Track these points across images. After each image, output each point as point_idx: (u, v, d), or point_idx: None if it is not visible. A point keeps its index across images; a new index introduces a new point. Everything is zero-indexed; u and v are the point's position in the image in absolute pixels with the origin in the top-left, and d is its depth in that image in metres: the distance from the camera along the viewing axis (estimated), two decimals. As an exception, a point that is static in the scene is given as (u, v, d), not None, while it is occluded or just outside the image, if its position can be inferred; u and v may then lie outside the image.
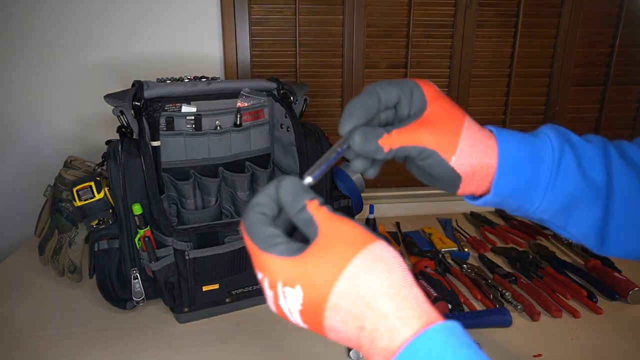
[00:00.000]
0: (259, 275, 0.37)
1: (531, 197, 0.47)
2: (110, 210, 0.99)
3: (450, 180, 0.46)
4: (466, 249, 1.30)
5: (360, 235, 0.35)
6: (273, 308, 0.38)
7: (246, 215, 0.38)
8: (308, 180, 0.41)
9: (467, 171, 0.45)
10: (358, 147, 0.43)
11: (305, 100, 1.18)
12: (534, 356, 0.88)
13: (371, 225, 1.33)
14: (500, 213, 1.57)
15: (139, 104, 1.02)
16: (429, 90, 0.46)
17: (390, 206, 1.59)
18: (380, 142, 0.44)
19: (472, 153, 0.45)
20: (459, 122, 0.45)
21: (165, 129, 1.09)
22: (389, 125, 0.48)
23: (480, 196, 0.49)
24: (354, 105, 0.44)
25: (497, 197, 0.47)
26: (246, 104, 1.15)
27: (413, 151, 0.44)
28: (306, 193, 0.38)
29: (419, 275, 1.09)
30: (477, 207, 1.58)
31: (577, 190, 0.47)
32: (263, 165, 1.19)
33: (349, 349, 0.88)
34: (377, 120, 0.47)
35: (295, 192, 0.38)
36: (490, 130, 0.48)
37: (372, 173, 0.48)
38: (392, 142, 0.44)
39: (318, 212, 0.37)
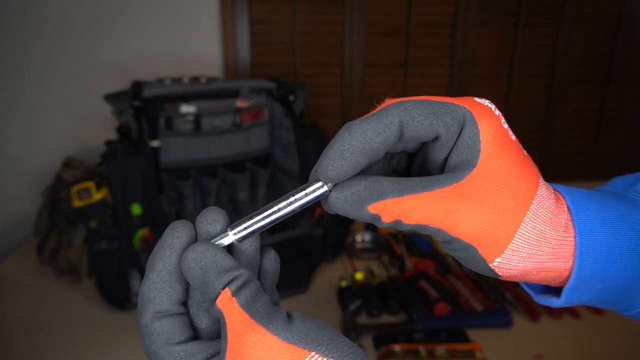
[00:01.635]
0: None
1: (629, 301, 0.31)
2: (110, 211, 0.99)
3: (486, 272, 0.30)
4: (466, 249, 1.30)
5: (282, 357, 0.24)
6: None
7: (138, 323, 0.28)
8: (228, 239, 0.29)
9: (515, 275, 0.30)
10: (336, 209, 0.28)
11: (305, 100, 1.17)
12: (535, 357, 0.87)
13: (372, 226, 1.33)
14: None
15: (138, 104, 1.02)
16: (491, 130, 0.28)
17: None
18: (373, 208, 0.27)
19: (530, 255, 0.28)
20: (524, 199, 0.28)
21: (164, 129, 1.08)
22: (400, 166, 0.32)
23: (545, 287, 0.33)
24: (352, 139, 0.27)
25: (568, 304, 0.31)
26: (246, 104, 1.15)
27: (435, 235, 0.28)
28: (220, 274, 0.26)
29: (419, 275, 1.09)
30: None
31: None
32: (263, 165, 1.19)
33: None
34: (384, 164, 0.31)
35: (205, 272, 0.26)
36: (565, 202, 0.30)
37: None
38: (401, 212, 0.27)
39: (228, 308, 0.26)
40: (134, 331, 0.96)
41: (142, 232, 0.95)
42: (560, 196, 0.30)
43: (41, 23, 1.38)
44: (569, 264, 0.29)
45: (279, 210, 0.29)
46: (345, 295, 1.03)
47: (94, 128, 1.43)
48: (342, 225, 1.19)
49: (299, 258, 1.07)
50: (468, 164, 0.27)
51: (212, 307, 0.26)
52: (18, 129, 1.44)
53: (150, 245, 0.95)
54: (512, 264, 0.28)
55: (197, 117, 1.11)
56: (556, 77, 1.64)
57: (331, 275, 1.13)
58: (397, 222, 0.28)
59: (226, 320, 0.26)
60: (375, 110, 0.28)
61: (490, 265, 0.28)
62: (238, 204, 1.15)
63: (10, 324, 0.98)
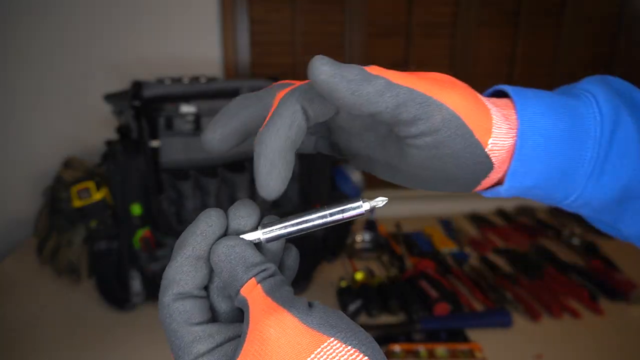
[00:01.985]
0: None
1: (566, 188, 0.32)
2: (110, 211, 0.99)
3: (470, 177, 0.30)
4: (467, 250, 1.30)
5: (300, 342, 0.24)
6: None
7: (160, 302, 0.28)
8: (256, 237, 0.29)
9: (502, 156, 0.30)
10: (324, 72, 0.26)
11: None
12: (535, 357, 0.87)
13: (372, 226, 1.33)
14: (501, 213, 1.56)
15: (138, 104, 1.02)
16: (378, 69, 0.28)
17: (391, 206, 1.59)
18: (372, 69, 0.27)
19: (506, 131, 0.30)
20: (467, 87, 0.30)
21: (164, 129, 1.08)
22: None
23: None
24: (270, 146, 0.27)
25: (512, 189, 0.32)
26: (246, 104, 1.15)
27: (433, 112, 0.27)
28: (248, 268, 0.27)
29: (419, 275, 1.09)
30: (480, 205, 1.58)
31: (638, 177, 0.32)
32: (263, 166, 1.19)
33: None
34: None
35: (233, 266, 0.27)
36: (504, 92, 0.32)
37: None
38: (392, 75, 0.27)
39: (252, 295, 0.27)
40: (134, 331, 0.96)
41: (142, 232, 0.95)
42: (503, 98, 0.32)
43: (41, 23, 1.38)
44: (512, 138, 0.30)
45: (311, 221, 0.29)
46: (345, 295, 1.03)
47: (94, 128, 1.43)
48: (342, 225, 1.19)
49: (299, 258, 1.07)
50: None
51: (237, 297, 0.27)
52: (18, 129, 1.44)
53: (150, 245, 0.95)
54: (500, 143, 0.29)
55: (197, 117, 1.11)
56: (556, 77, 1.64)
57: (331, 275, 1.13)
58: (401, 90, 0.27)
59: (249, 305, 0.26)
60: (272, 109, 0.29)
61: (485, 149, 0.29)
62: (238, 204, 1.15)
63: (10, 324, 0.98)
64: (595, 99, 0.32)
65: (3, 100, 1.42)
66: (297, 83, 0.30)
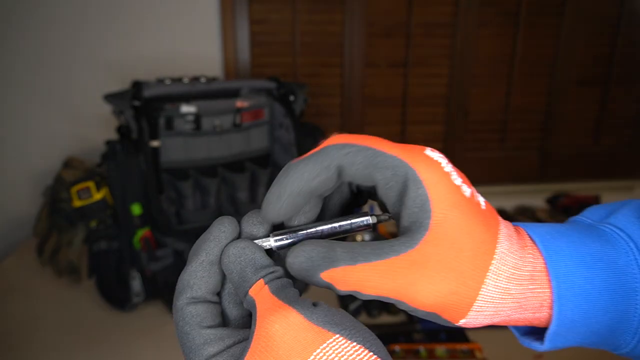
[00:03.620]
0: None
1: (614, 343, 0.30)
2: (110, 211, 0.99)
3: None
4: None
5: (305, 337, 0.24)
6: None
7: (174, 305, 0.29)
8: (268, 243, 0.30)
9: (484, 323, 0.29)
10: (293, 273, 0.28)
11: (305, 100, 1.17)
12: (535, 357, 0.87)
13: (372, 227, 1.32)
14: (501, 213, 1.56)
15: (138, 104, 1.02)
16: (441, 189, 0.27)
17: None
18: (325, 276, 0.27)
19: (496, 312, 0.28)
20: (482, 262, 0.27)
21: (164, 129, 1.08)
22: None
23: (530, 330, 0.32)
24: (289, 181, 0.28)
25: (554, 349, 0.29)
26: (246, 104, 1.15)
27: (396, 304, 0.28)
28: (257, 270, 0.28)
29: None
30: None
31: None
32: (263, 165, 1.19)
33: None
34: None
35: (243, 267, 0.28)
36: (534, 243, 0.29)
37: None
38: (356, 282, 0.27)
39: (260, 295, 0.27)
40: (134, 331, 0.96)
41: (142, 232, 0.95)
42: (523, 235, 0.29)
43: (41, 23, 1.38)
44: (538, 315, 0.28)
45: (322, 232, 0.30)
46: (345, 295, 1.03)
47: (94, 128, 1.43)
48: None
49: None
50: (420, 226, 0.27)
51: (245, 298, 0.28)
52: (18, 129, 1.44)
53: (150, 245, 0.95)
54: (478, 320, 0.28)
55: (197, 117, 1.11)
56: (556, 77, 1.64)
57: (331, 275, 1.13)
58: (356, 293, 0.28)
59: (256, 304, 0.27)
60: (317, 148, 0.29)
61: (456, 324, 0.28)
62: (238, 204, 1.15)
63: (10, 324, 0.98)
64: (635, 245, 0.29)
65: (3, 100, 1.42)
66: (356, 140, 0.29)
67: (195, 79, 1.11)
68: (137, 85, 1.03)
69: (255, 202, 1.16)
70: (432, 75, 1.58)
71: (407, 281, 0.27)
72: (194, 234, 0.98)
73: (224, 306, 0.30)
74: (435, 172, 0.28)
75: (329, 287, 0.28)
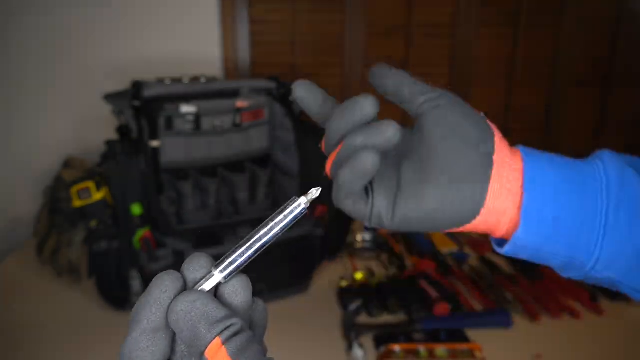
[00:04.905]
0: None
1: (585, 243, 0.32)
2: (110, 211, 0.99)
3: (481, 136, 0.37)
4: (467, 250, 1.30)
5: None
6: None
7: None
8: (215, 279, 0.27)
9: (497, 141, 0.37)
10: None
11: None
12: (535, 357, 0.87)
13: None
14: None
15: (138, 104, 1.02)
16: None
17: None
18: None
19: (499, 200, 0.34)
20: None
21: (164, 129, 1.08)
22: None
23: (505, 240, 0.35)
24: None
25: (530, 233, 0.33)
26: (246, 104, 1.15)
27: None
28: (212, 325, 0.25)
29: (419, 275, 1.09)
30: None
31: None
32: (263, 165, 1.19)
33: (350, 346, 0.87)
34: None
35: (195, 324, 0.25)
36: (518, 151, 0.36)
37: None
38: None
39: (216, 358, 0.25)
40: (134, 331, 0.96)
41: (142, 232, 0.95)
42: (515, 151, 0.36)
43: (41, 23, 1.38)
44: (518, 190, 0.33)
45: (260, 238, 0.28)
46: (345, 295, 1.03)
47: (94, 128, 1.43)
48: (343, 225, 1.19)
49: (299, 258, 1.07)
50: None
51: (199, 357, 0.25)
52: (18, 129, 1.44)
53: (150, 245, 0.95)
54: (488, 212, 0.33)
55: (197, 117, 1.10)
56: (556, 78, 1.64)
57: (331, 275, 1.13)
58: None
59: None
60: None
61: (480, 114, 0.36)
62: (238, 204, 1.15)
63: (10, 323, 0.98)
64: (602, 160, 0.34)
65: (3, 100, 1.42)
66: None
67: (195, 79, 1.11)
68: (137, 85, 1.03)
69: (255, 202, 1.16)
70: (432, 75, 1.58)
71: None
72: (194, 234, 0.99)
73: None
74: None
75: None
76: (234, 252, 0.28)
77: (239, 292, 0.28)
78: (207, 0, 1.43)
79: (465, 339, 0.91)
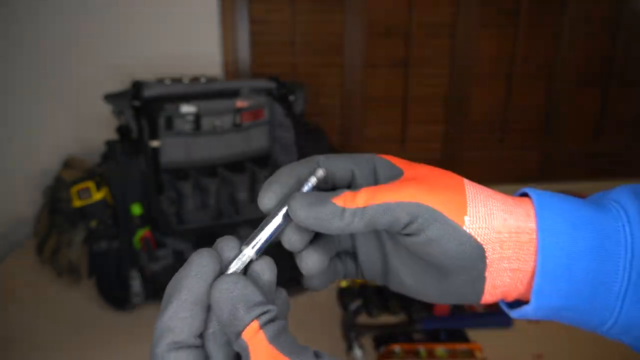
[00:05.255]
0: None
1: (600, 311, 0.30)
2: (110, 211, 0.99)
3: (467, 266, 0.30)
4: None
5: None
6: None
7: (153, 353, 0.26)
8: (247, 255, 0.29)
9: (492, 238, 0.30)
10: (299, 213, 0.29)
11: (306, 100, 1.17)
12: (535, 357, 0.87)
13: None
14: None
15: (138, 104, 1.02)
16: (397, 160, 0.33)
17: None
18: (337, 200, 0.29)
19: (490, 212, 0.30)
20: (456, 179, 0.31)
21: (164, 129, 1.08)
22: None
23: (519, 303, 0.33)
24: (281, 171, 0.31)
25: (540, 310, 0.30)
26: (246, 104, 1.15)
27: (400, 214, 0.29)
28: (250, 308, 0.26)
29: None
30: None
31: None
32: (263, 165, 1.19)
33: (350, 346, 0.87)
34: None
35: (235, 304, 0.26)
36: (526, 195, 0.32)
37: (314, 266, 0.32)
38: (361, 199, 0.29)
39: (254, 341, 0.25)
40: (134, 331, 0.96)
41: (142, 232, 0.95)
42: (521, 199, 0.32)
43: (41, 23, 1.37)
44: (520, 265, 0.30)
45: (279, 209, 0.30)
46: (345, 295, 1.03)
47: (94, 128, 1.43)
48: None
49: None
50: (395, 177, 0.32)
51: (237, 341, 0.26)
52: (18, 128, 1.44)
53: (150, 245, 0.95)
54: (480, 222, 0.29)
55: (197, 117, 1.11)
56: (556, 77, 1.64)
57: (331, 275, 1.13)
58: (356, 214, 0.29)
59: (250, 352, 0.25)
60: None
61: (464, 228, 0.29)
62: (238, 204, 1.15)
63: (10, 324, 0.98)
64: (626, 214, 0.30)
65: (3, 100, 1.42)
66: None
67: (195, 79, 1.11)
68: (137, 85, 1.03)
69: (255, 202, 1.16)
70: (432, 75, 1.58)
71: (409, 188, 0.29)
72: (194, 234, 0.99)
73: (207, 348, 0.28)
74: (391, 156, 0.33)
75: (327, 218, 0.29)
76: (260, 229, 0.30)
77: (265, 271, 0.29)
78: (207, 0, 1.43)
79: (465, 339, 0.91)
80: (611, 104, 1.69)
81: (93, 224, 0.98)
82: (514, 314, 0.32)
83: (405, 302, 1.00)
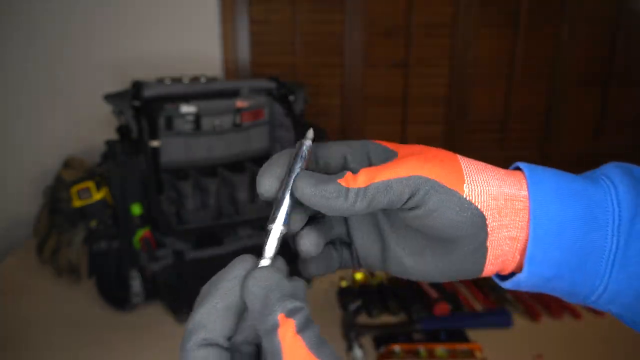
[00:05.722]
0: None
1: (590, 280, 0.31)
2: (109, 211, 0.99)
3: (469, 235, 0.30)
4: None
5: None
6: None
7: (183, 348, 0.26)
8: (278, 229, 0.29)
9: (490, 205, 0.30)
10: (306, 191, 0.29)
11: (306, 100, 1.17)
12: (535, 357, 0.87)
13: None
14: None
15: (138, 104, 1.02)
16: (389, 143, 0.33)
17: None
18: (342, 181, 0.29)
19: (486, 180, 0.31)
20: (449, 153, 0.32)
21: (164, 129, 1.08)
22: None
23: (512, 275, 0.33)
24: (278, 155, 0.31)
25: (532, 277, 0.31)
26: (246, 104, 1.15)
27: (402, 189, 0.29)
28: (283, 297, 0.26)
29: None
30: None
31: None
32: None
33: (350, 346, 0.87)
34: None
35: (267, 292, 0.26)
36: (518, 168, 0.34)
37: (311, 248, 0.32)
38: (362, 179, 0.29)
39: (292, 346, 0.24)
40: (134, 331, 0.96)
41: (142, 232, 0.95)
42: (516, 172, 0.33)
43: (40, 22, 1.37)
44: (514, 232, 0.31)
45: (288, 184, 0.30)
46: (345, 295, 1.03)
47: (94, 128, 1.43)
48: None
49: (299, 258, 1.07)
50: (389, 157, 0.32)
51: (268, 336, 0.25)
52: (18, 129, 1.44)
53: (150, 245, 0.95)
54: (478, 188, 0.30)
55: (197, 117, 1.10)
56: (556, 77, 1.64)
57: (331, 276, 1.13)
58: (360, 193, 0.29)
59: (284, 356, 0.24)
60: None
61: (463, 195, 0.30)
62: (238, 204, 1.15)
63: (10, 324, 0.98)
64: (613, 183, 0.31)
65: (3, 100, 1.42)
66: None
67: (195, 79, 1.11)
68: (137, 85, 1.03)
69: (255, 202, 1.16)
70: (432, 75, 1.58)
71: (407, 164, 0.30)
72: (194, 234, 0.99)
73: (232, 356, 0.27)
74: (386, 142, 0.33)
75: (332, 198, 0.29)
76: (276, 207, 0.30)
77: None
78: (207, 0, 1.43)
79: (465, 339, 0.91)
80: (611, 104, 1.69)
81: (93, 224, 0.98)
82: (507, 284, 0.32)
83: (405, 302, 1.00)
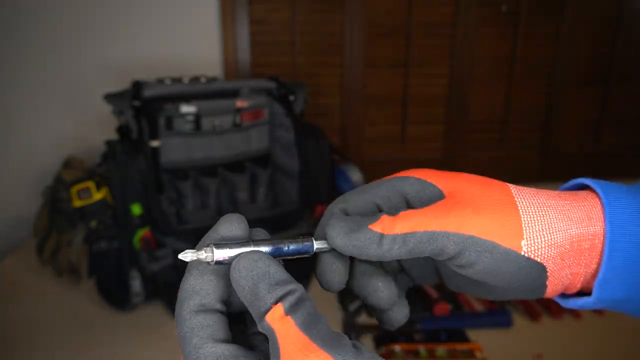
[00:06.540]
0: None
1: None
2: (110, 211, 0.98)
3: (526, 283, 0.28)
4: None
5: None
6: None
7: (179, 315, 0.25)
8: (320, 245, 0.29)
9: (552, 254, 0.28)
10: (337, 242, 0.28)
11: (306, 100, 1.17)
12: (535, 357, 0.87)
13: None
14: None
15: (138, 104, 1.02)
16: (430, 174, 0.30)
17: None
18: (374, 226, 0.27)
19: (549, 226, 0.28)
20: (503, 190, 0.29)
21: (164, 129, 1.08)
22: None
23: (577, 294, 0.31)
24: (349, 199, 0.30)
25: (601, 302, 0.29)
26: (246, 104, 1.15)
27: (447, 245, 0.27)
28: (272, 287, 0.24)
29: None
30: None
31: None
32: (263, 165, 1.19)
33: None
34: None
35: (256, 283, 0.24)
36: (586, 186, 0.30)
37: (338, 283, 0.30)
38: (400, 226, 0.27)
39: (282, 327, 0.23)
40: (134, 331, 0.96)
41: (142, 232, 0.95)
42: (583, 197, 0.30)
43: (41, 23, 1.38)
44: (600, 226, 0.28)
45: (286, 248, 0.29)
46: (345, 295, 1.03)
47: (94, 128, 1.43)
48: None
49: (299, 258, 1.07)
50: (432, 199, 0.29)
51: (261, 323, 0.24)
52: (18, 128, 1.44)
53: (150, 245, 0.95)
54: (539, 241, 0.27)
55: (197, 117, 1.10)
56: (556, 77, 1.64)
57: (331, 275, 1.13)
58: (394, 241, 0.27)
59: (279, 339, 0.23)
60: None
61: (521, 253, 0.27)
62: (238, 204, 1.15)
63: (10, 324, 0.98)
64: None
65: (3, 100, 1.42)
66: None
67: (195, 79, 1.11)
68: (137, 85, 1.03)
69: (255, 202, 1.16)
70: (432, 75, 1.58)
71: (455, 214, 0.27)
72: (194, 234, 0.99)
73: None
74: (427, 172, 0.30)
75: (363, 245, 0.27)
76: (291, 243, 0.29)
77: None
78: (207, 1, 1.43)
79: (465, 339, 0.91)
80: (611, 104, 1.69)
81: (93, 224, 0.98)
82: (569, 304, 0.30)
83: (405, 302, 1.00)
